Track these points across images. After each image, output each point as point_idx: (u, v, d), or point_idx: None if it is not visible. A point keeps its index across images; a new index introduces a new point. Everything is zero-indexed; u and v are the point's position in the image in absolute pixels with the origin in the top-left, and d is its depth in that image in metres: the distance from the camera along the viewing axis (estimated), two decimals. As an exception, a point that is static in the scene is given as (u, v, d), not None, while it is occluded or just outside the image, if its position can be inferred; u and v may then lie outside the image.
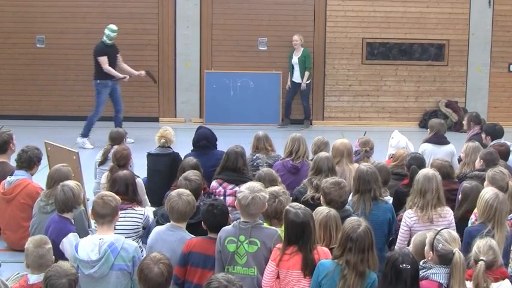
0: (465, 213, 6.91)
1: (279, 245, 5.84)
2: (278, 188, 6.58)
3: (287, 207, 5.91)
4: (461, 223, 6.79)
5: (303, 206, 5.90)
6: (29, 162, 8.35)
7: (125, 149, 8.61)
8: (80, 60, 15.93)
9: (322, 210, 6.10)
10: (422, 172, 6.92)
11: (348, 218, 5.63)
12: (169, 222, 6.41)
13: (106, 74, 13.53)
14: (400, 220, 7.00)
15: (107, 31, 13.61)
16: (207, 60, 15.98)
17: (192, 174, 7.23)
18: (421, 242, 5.71)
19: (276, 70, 15.80)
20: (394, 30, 16.08)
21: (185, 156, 8.82)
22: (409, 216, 6.76)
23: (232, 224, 5.82)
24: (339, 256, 5.40)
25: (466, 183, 7.17)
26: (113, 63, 13.66)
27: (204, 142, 9.11)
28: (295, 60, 15.41)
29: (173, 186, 7.61)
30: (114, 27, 13.65)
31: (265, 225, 6.12)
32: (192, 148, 9.22)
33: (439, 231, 5.47)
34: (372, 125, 15.89)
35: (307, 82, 15.39)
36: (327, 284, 5.41)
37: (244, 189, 5.84)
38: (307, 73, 15.36)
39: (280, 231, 6.22)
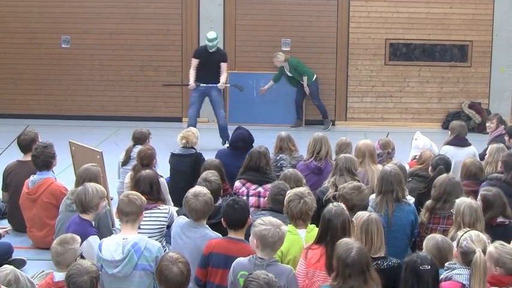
0: (489, 220, 6.64)
1: (309, 244, 5.83)
2: (303, 189, 6.53)
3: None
4: (488, 229, 6.48)
5: (342, 206, 5.88)
6: (45, 163, 8.37)
7: (149, 149, 8.61)
8: (104, 60, 16.10)
9: (363, 215, 5.86)
10: (465, 202, 6.37)
11: (338, 242, 5.27)
12: (190, 221, 6.46)
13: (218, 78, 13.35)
14: (422, 223, 6.96)
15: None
16: (230, 61, 15.99)
17: (211, 174, 7.25)
18: (433, 246, 5.60)
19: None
20: (417, 31, 16.01)
21: (218, 152, 9.15)
22: None
23: (247, 258, 5.60)
24: (341, 286, 5.04)
25: (484, 191, 6.89)
26: (205, 67, 13.42)
27: (241, 144, 9.15)
28: (290, 74, 15.54)
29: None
30: (209, 35, 13.35)
31: (278, 259, 5.87)
32: (228, 146, 9.63)
33: (468, 230, 5.46)
34: (395, 126, 15.81)
35: (309, 84, 15.40)
36: None
37: (266, 221, 5.59)
38: (305, 78, 15.39)
39: (306, 232, 6.25)
